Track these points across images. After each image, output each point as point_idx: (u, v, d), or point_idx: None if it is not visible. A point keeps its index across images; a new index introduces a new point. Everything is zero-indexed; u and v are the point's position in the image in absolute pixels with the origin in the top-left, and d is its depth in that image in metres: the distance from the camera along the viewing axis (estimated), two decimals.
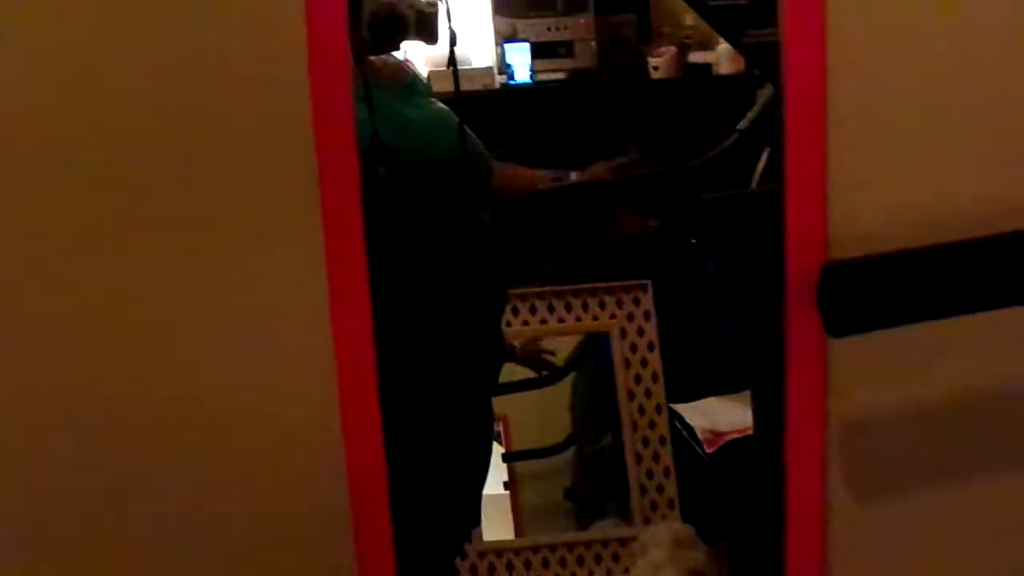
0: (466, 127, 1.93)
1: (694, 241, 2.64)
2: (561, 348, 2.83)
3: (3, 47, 1.41)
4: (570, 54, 2.89)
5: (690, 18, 2.94)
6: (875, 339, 1.43)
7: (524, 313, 2.71)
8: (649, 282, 2.68)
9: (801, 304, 1.47)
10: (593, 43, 2.88)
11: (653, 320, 2.67)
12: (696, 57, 2.89)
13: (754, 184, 2.03)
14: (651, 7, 2.94)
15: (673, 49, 2.88)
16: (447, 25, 1.94)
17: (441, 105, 1.96)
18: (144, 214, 1.46)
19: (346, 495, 1.53)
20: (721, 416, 2.57)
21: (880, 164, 1.49)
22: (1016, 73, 1.50)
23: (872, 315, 1.34)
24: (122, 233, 1.46)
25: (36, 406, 1.48)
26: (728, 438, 2.48)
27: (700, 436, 2.54)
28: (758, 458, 2.05)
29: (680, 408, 2.66)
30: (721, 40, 2.88)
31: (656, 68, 2.86)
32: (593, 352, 2.81)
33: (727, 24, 1.54)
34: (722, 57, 2.85)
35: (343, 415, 1.51)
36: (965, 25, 1.49)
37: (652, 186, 2.43)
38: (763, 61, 1.52)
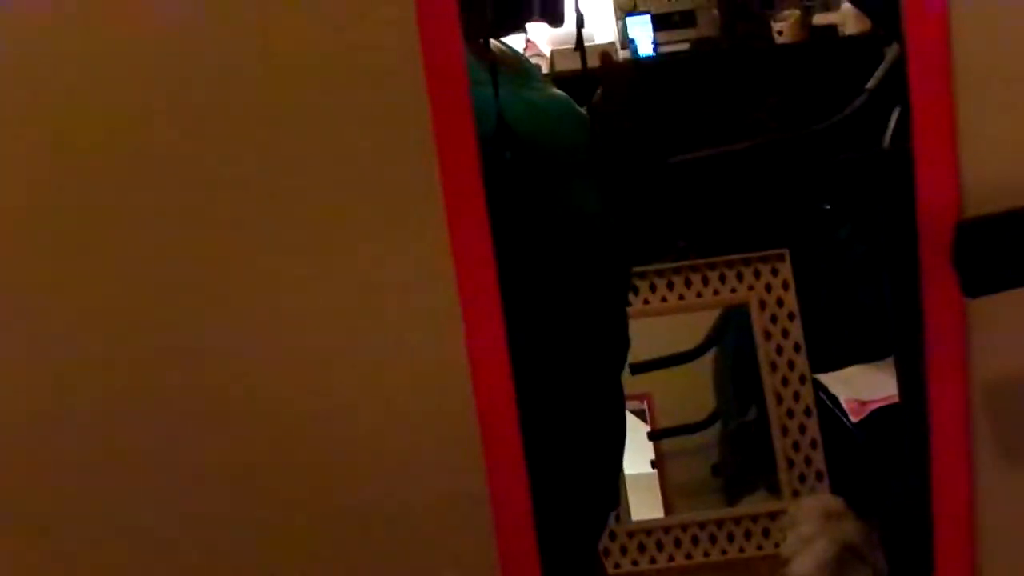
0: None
1: (827, 207, 2.58)
2: (701, 322, 2.80)
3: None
4: (692, 23, 2.85)
5: None
6: (1016, 297, 1.38)
7: (662, 289, 2.69)
8: (787, 251, 2.64)
9: (936, 265, 1.43)
10: (714, 11, 2.83)
11: (792, 289, 2.63)
12: (820, 19, 2.83)
13: (886, 143, 1.99)
14: None
15: (796, 12, 2.82)
16: (574, 5, 1.92)
17: (558, 91, 1.94)
18: (264, 208, 1.47)
19: (484, 484, 1.53)
20: (865, 384, 2.52)
21: (1010, 117, 1.45)
22: None
23: (1011, 272, 1.29)
24: (249, 226, 1.47)
25: (159, 401, 1.50)
26: (873, 407, 2.43)
27: (845, 406, 2.48)
28: (904, 426, 2.00)
29: (823, 378, 2.61)
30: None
31: (780, 32, 2.80)
32: (733, 325, 2.78)
33: None
34: (847, 17, 2.79)
35: (478, 403, 1.51)
36: None
37: (784, 153, 2.39)
38: (885, 17, 1.47)
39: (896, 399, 2.17)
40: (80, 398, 1.50)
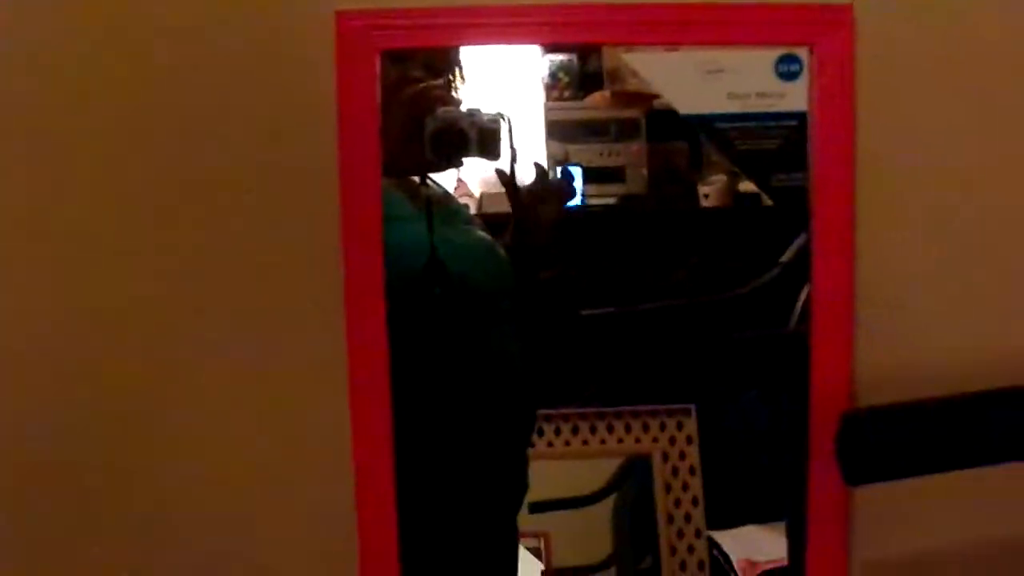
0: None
1: (732, 370, 2.66)
2: (604, 468, 2.84)
3: None
4: (621, 179, 2.92)
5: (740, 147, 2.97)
6: (897, 486, 1.45)
7: (566, 433, 2.73)
8: (693, 406, 2.69)
9: (823, 448, 1.49)
10: (644, 170, 2.92)
11: (695, 444, 2.69)
12: (746, 187, 2.92)
13: (794, 320, 2.06)
14: (701, 136, 2.97)
15: (723, 178, 2.91)
16: (509, 143, 1.98)
17: (483, 232, 2.00)
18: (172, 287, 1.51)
19: None
20: (758, 545, 2.56)
21: (907, 312, 1.52)
22: None
23: (889, 465, 1.36)
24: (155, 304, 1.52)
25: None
26: (763, 568, 2.47)
27: (736, 565, 2.53)
28: None
29: (717, 535, 2.66)
30: None
31: (706, 196, 2.89)
32: (634, 473, 2.82)
33: (756, 167, 1.58)
34: None
35: (360, 534, 1.55)
36: (997, 175, 1.52)
37: (694, 317, 2.46)
38: (792, 204, 1.55)
39: (784, 563, 2.23)
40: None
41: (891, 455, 1.35)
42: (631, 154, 2.96)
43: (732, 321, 2.34)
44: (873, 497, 1.52)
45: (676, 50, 1.60)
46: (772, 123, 1.51)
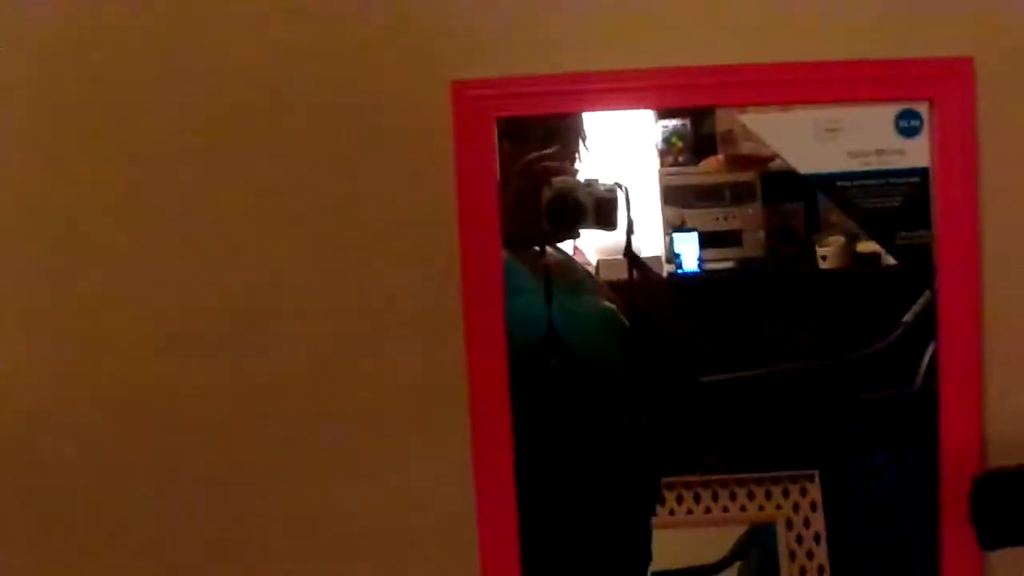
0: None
1: (856, 433, 2.61)
2: (727, 537, 2.80)
3: None
4: (738, 243, 2.90)
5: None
6: None
7: (688, 502, 2.70)
8: (816, 472, 2.65)
9: (956, 512, 1.45)
10: (761, 232, 2.89)
11: (820, 511, 2.64)
12: (864, 247, 2.88)
13: (919, 380, 2.02)
14: (819, 196, 2.94)
15: (841, 239, 2.87)
16: (625, 213, 1.97)
17: (608, 303, 1.99)
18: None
19: None
20: None
21: None
22: None
23: None
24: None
25: None
26: None
27: None
28: None
29: None
30: None
31: (824, 258, 2.86)
32: (757, 541, 2.77)
33: (878, 226, 1.56)
34: None
35: None
36: None
37: (815, 380, 2.42)
38: (915, 263, 1.53)
39: None
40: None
41: None
42: (747, 218, 2.94)
43: (855, 383, 2.30)
44: (1007, 563, 1.47)
45: (791, 110, 1.59)
46: (894, 180, 1.48)
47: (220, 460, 1.58)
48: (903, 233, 1.49)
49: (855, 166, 1.53)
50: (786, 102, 1.55)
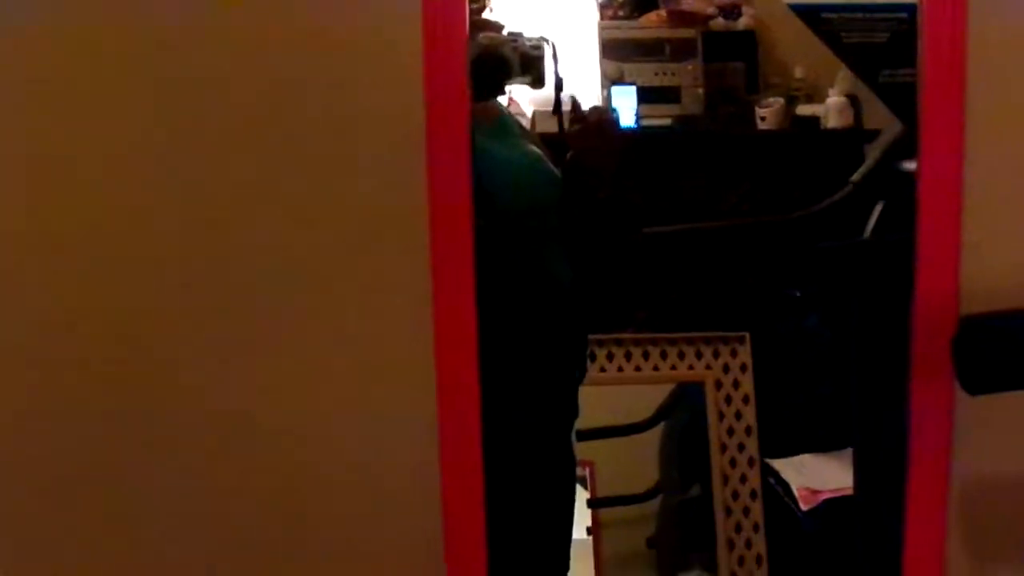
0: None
1: (797, 294, 2.60)
2: (653, 396, 2.80)
3: None
4: (677, 100, 2.86)
5: (799, 70, 2.91)
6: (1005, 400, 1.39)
7: (619, 359, 2.68)
8: (747, 334, 2.64)
9: (930, 359, 1.43)
10: (700, 90, 2.86)
11: (749, 373, 2.63)
12: (804, 110, 2.86)
13: (866, 238, 2.00)
14: (760, 57, 2.91)
15: (781, 100, 2.85)
16: (553, 69, 1.91)
17: (533, 147, 1.93)
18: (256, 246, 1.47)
19: (440, 531, 1.51)
20: (818, 474, 2.52)
21: (1019, 215, 1.46)
22: None
23: (1015, 373, 1.29)
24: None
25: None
26: (824, 496, 2.43)
27: (796, 493, 2.49)
28: (856, 520, 2.00)
29: (776, 464, 2.61)
30: (830, 92, 2.85)
31: (763, 119, 2.83)
32: (685, 401, 2.77)
33: (861, 61, 1.51)
34: (830, 110, 2.82)
35: (443, 458, 1.50)
36: None
37: (761, 236, 2.40)
38: (898, 102, 1.49)
39: (848, 491, 2.18)
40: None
41: (1016, 361, 1.29)
42: (686, 74, 2.91)
43: (800, 239, 2.28)
44: (974, 410, 1.45)
45: None
46: (880, 15, 1.44)
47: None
48: (887, 71, 1.45)
49: None
50: None
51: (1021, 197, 1.45)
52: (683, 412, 2.79)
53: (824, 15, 1.49)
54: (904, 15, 1.46)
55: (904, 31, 1.46)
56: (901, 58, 1.45)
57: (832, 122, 2.83)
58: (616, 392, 2.76)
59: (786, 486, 2.52)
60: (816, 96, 2.90)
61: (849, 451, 2.15)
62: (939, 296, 1.42)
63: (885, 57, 1.47)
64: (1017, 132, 1.45)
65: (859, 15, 1.49)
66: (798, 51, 2.90)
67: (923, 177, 1.41)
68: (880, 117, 2.52)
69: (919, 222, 1.40)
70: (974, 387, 1.30)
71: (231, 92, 1.44)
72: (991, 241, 1.44)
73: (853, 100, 2.79)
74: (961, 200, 1.42)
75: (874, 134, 2.67)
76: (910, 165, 1.81)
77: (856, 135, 2.73)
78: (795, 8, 1.50)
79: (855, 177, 2.18)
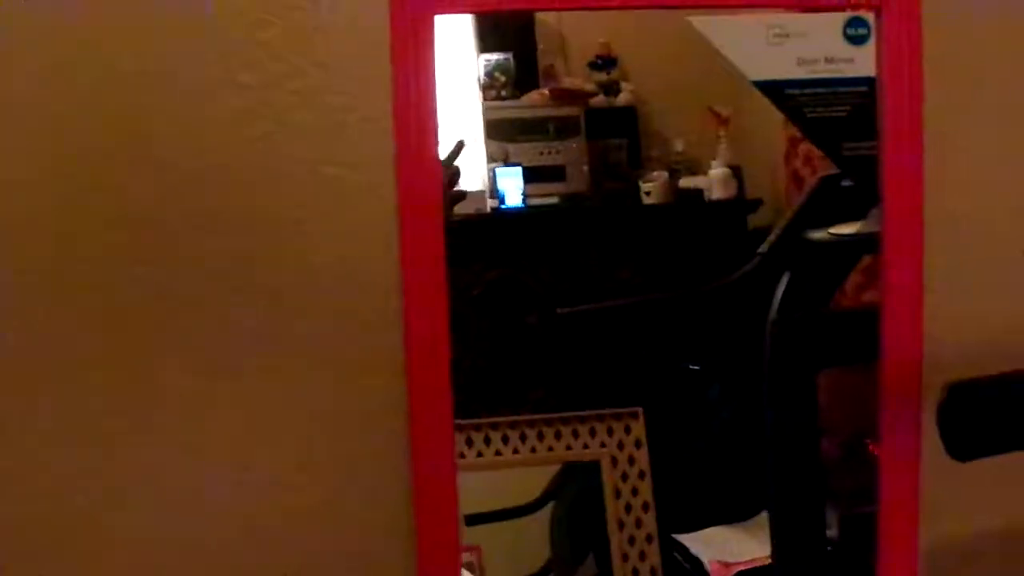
0: None
1: (696, 367, 2.61)
2: (543, 476, 2.77)
3: None
4: (562, 178, 2.87)
5: (679, 143, 2.95)
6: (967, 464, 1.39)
7: (514, 441, 2.65)
8: (640, 409, 2.63)
9: (897, 425, 1.44)
10: (585, 167, 2.87)
11: (644, 448, 2.62)
12: (687, 182, 2.90)
13: (774, 309, 2.02)
14: (640, 132, 2.95)
15: (664, 174, 2.89)
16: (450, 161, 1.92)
17: None
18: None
19: None
20: (730, 546, 2.52)
21: (979, 278, 1.49)
22: None
23: (1002, 437, 1.30)
24: None
25: None
26: (737, 568, 2.43)
27: (708, 567, 2.48)
28: None
29: (685, 539, 2.61)
30: (712, 165, 2.90)
31: (648, 193, 2.86)
32: (572, 478, 2.76)
33: (825, 135, 1.54)
34: (713, 182, 2.87)
35: None
36: None
37: (663, 311, 2.41)
38: (861, 174, 1.51)
39: (762, 561, 2.19)
40: None
41: (1006, 426, 1.30)
42: (571, 152, 2.92)
43: (705, 313, 2.30)
44: (941, 476, 1.47)
45: (740, 14, 1.55)
46: (842, 89, 1.47)
47: None
48: (850, 144, 1.48)
49: (804, 73, 1.50)
50: (735, 6, 1.50)
51: (980, 262, 1.48)
52: (571, 490, 2.77)
53: (788, 91, 1.51)
54: (864, 88, 1.48)
55: (864, 104, 1.48)
56: (862, 131, 1.48)
57: (716, 193, 2.87)
58: (504, 474, 2.73)
59: (696, 561, 2.51)
60: (697, 168, 2.94)
61: (759, 521, 2.16)
62: (905, 362, 1.43)
63: (847, 130, 1.49)
64: (972, 199, 1.48)
65: (821, 90, 1.52)
66: (677, 125, 2.95)
67: (886, 245, 1.43)
68: (763, 188, 2.57)
69: (883, 289, 1.42)
70: (962, 453, 1.31)
71: None
72: (954, 306, 1.47)
73: (736, 171, 2.84)
74: (923, 267, 1.44)
75: (757, 204, 2.73)
76: (816, 234, 1.84)
77: (740, 206, 2.78)
78: (759, 85, 1.51)
79: (762, 248, 2.20)
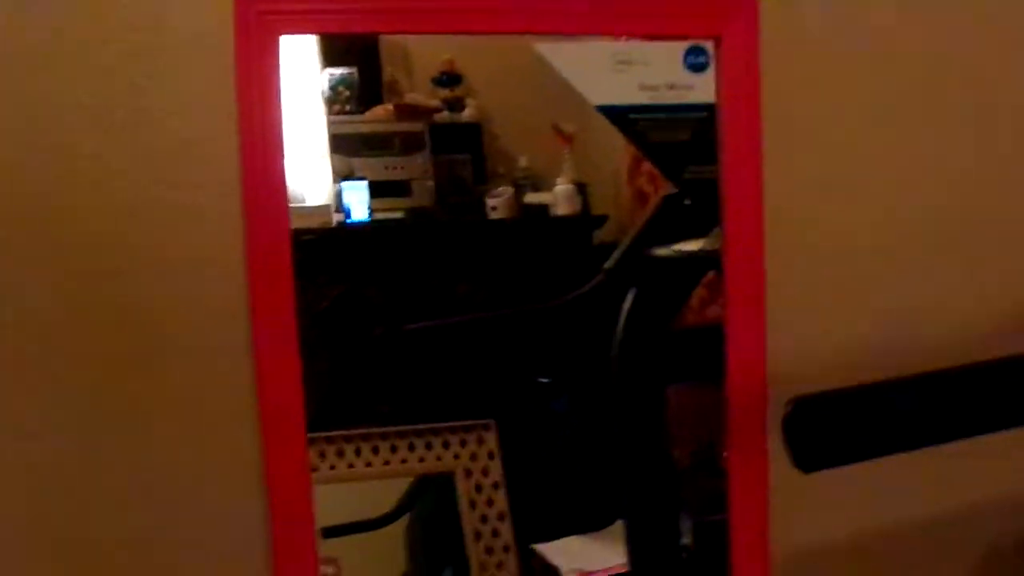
0: None
1: (545, 380, 2.64)
2: (400, 487, 2.78)
3: None
4: (408, 193, 2.88)
5: (524, 159, 2.98)
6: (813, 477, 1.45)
7: (367, 454, 2.66)
8: (493, 421, 2.66)
9: (744, 439, 1.49)
10: (430, 182, 2.88)
11: (498, 460, 2.66)
12: (532, 198, 2.92)
13: (620, 325, 2.06)
14: (485, 148, 2.97)
15: (510, 189, 2.91)
16: None
17: None
18: None
19: None
20: (586, 555, 2.55)
21: (818, 296, 1.54)
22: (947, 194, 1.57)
23: (846, 448, 1.36)
24: None
25: None
26: None
27: None
28: None
29: (542, 549, 2.63)
30: (557, 181, 2.93)
31: (494, 208, 2.88)
32: (427, 491, 2.77)
33: (667, 159, 1.58)
34: (558, 198, 2.89)
35: None
36: (901, 159, 1.56)
37: (511, 325, 2.43)
38: (702, 196, 1.56)
39: (619, 568, 2.22)
40: None
41: (849, 438, 1.36)
42: (416, 167, 2.92)
43: (553, 329, 2.33)
44: (788, 485, 1.52)
45: (586, 41, 1.58)
46: (683, 115, 1.51)
47: None
48: (693, 168, 1.52)
49: (647, 99, 1.54)
50: (578, 32, 1.54)
51: (821, 279, 1.54)
52: (427, 500, 2.79)
53: (631, 116, 1.55)
54: (705, 114, 1.53)
55: (705, 129, 1.53)
56: (703, 155, 1.53)
57: (561, 209, 2.90)
58: (360, 486, 2.73)
59: (554, 571, 2.55)
60: (542, 185, 2.97)
61: (616, 530, 2.20)
62: (749, 376, 1.48)
63: (689, 155, 1.54)
64: (811, 218, 1.54)
65: (662, 115, 1.56)
66: (522, 142, 2.97)
67: (728, 265, 1.47)
68: (608, 204, 2.61)
69: (726, 309, 1.47)
70: (807, 465, 1.36)
71: None
72: (797, 322, 1.52)
73: (581, 187, 2.87)
74: (764, 286, 1.49)
75: (602, 220, 2.77)
76: (660, 251, 1.89)
77: (585, 221, 2.81)
78: (603, 110, 1.55)
79: (608, 264, 2.24)
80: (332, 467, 2.54)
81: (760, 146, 1.48)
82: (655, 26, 1.48)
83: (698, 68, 1.52)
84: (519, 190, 2.94)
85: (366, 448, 2.66)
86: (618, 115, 1.54)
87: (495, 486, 2.66)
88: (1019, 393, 1.38)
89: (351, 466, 2.65)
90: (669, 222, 2.07)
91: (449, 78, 3.03)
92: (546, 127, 2.83)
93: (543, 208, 2.92)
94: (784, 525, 1.54)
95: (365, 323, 2.41)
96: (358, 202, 2.87)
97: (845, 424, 1.35)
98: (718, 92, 1.50)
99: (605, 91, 1.55)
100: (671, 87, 1.53)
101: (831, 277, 1.55)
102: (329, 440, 2.48)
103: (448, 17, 1.42)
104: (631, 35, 1.60)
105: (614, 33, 1.58)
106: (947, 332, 1.55)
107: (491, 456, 2.69)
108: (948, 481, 1.60)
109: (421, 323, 2.32)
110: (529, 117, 2.67)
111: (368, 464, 2.67)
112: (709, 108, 1.52)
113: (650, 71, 1.52)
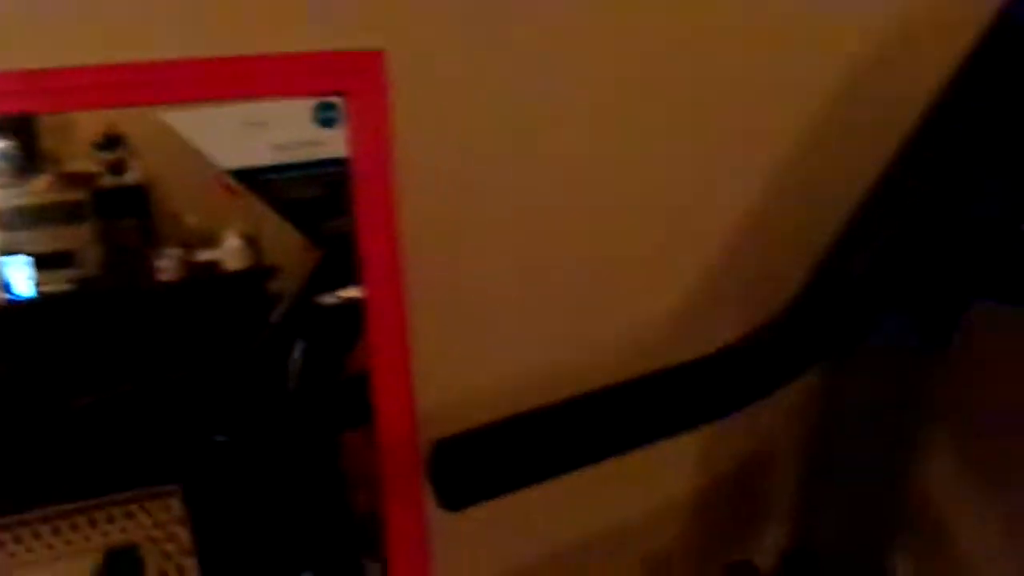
0: None
1: (223, 439, 2.62)
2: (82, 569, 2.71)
3: None
4: (72, 263, 2.82)
5: (191, 217, 2.95)
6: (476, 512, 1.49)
7: (47, 536, 2.58)
8: (178, 487, 2.62)
9: (399, 487, 1.52)
10: (97, 250, 2.83)
11: (187, 524, 2.61)
12: (202, 255, 2.90)
13: (292, 377, 2.07)
14: (152, 209, 2.93)
15: (179, 250, 2.87)
16: None
17: None
18: None
19: None
20: None
21: (465, 336, 1.59)
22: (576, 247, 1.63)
23: (488, 484, 1.40)
24: None
25: None
26: None
27: None
28: None
29: None
30: (227, 236, 2.91)
31: (163, 270, 2.84)
32: (119, 564, 2.71)
33: (303, 216, 1.59)
34: (228, 253, 2.88)
35: None
36: (533, 196, 1.62)
37: (184, 388, 2.41)
38: (340, 250, 1.58)
39: None
40: None
41: (490, 473, 1.40)
42: (80, 236, 2.86)
43: (226, 387, 2.32)
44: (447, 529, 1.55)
45: (216, 105, 1.58)
46: (316, 171, 1.52)
47: None
48: (329, 222, 1.53)
49: (280, 158, 1.55)
50: (205, 99, 1.54)
51: (463, 321, 1.58)
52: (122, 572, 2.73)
53: (263, 177, 1.56)
54: (337, 169, 1.55)
55: (340, 183, 1.55)
56: (340, 209, 1.55)
57: (232, 264, 2.88)
58: (52, 569, 2.65)
59: None
60: (212, 241, 2.94)
61: None
62: (399, 424, 1.51)
63: (324, 210, 1.55)
64: (449, 261, 1.58)
65: (296, 173, 1.57)
66: (189, 200, 2.94)
67: (370, 313, 1.50)
68: (281, 254, 2.61)
69: (373, 361, 1.50)
70: (453, 504, 1.40)
71: None
72: (442, 364, 1.56)
73: (251, 240, 2.86)
74: (407, 332, 1.53)
75: (273, 271, 2.77)
76: (328, 299, 1.92)
77: (257, 274, 2.80)
78: (235, 174, 1.55)
79: (274, 317, 2.25)
80: (12, 555, 2.47)
81: (393, 196, 1.52)
82: (282, 86, 1.49)
83: (329, 123, 1.54)
84: (189, 249, 2.91)
85: (45, 530, 2.58)
86: (251, 177, 1.54)
87: (185, 553, 2.62)
88: (648, 412, 1.45)
89: (29, 551, 2.57)
90: (336, 269, 2.09)
91: (110, 141, 2.98)
92: (211, 182, 2.81)
93: (213, 265, 2.89)
94: (446, 568, 1.57)
95: (31, 403, 2.34)
96: (22, 278, 2.79)
97: (485, 460, 1.40)
98: (350, 145, 1.52)
99: (236, 154, 1.55)
100: (303, 144, 1.55)
101: (475, 317, 1.60)
102: (3, 527, 2.40)
103: (77, 95, 1.41)
104: (259, 96, 1.61)
105: (243, 96, 1.59)
106: (588, 358, 1.61)
107: (179, 522, 2.65)
108: (599, 500, 1.66)
109: (89, 396, 2.26)
110: (193, 174, 2.65)
111: (50, 547, 2.59)
112: (342, 162, 1.54)
113: (281, 130, 1.54)
